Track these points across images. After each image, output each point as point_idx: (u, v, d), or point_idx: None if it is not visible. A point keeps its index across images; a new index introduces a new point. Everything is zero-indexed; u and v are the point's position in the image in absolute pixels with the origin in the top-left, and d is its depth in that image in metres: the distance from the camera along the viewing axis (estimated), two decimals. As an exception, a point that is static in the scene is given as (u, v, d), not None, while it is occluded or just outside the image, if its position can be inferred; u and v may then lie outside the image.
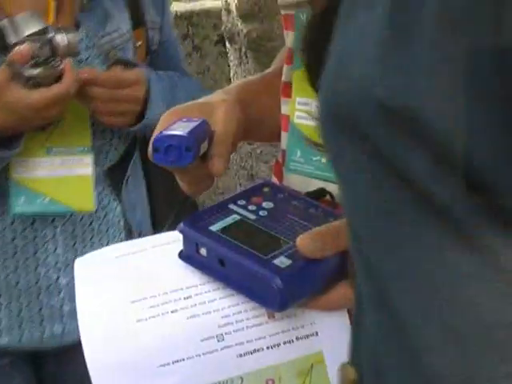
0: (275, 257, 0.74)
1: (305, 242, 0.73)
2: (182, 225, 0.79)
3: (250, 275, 0.73)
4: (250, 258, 0.74)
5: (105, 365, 0.75)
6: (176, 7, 4.42)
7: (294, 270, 0.73)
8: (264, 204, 0.82)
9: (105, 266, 0.83)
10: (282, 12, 1.02)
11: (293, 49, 0.98)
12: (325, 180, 0.94)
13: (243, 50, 2.71)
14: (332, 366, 0.78)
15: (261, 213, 0.81)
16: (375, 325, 0.41)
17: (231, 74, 2.92)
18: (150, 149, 0.87)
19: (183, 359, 0.76)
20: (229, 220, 0.79)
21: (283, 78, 1.02)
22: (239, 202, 0.82)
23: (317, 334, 0.77)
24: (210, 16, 4.80)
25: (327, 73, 0.39)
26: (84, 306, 0.78)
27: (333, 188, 0.92)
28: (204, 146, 0.86)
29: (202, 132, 0.86)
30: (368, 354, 0.45)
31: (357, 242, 0.40)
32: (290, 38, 1.00)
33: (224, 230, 0.78)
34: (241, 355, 0.76)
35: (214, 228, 0.78)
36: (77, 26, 1.43)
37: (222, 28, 2.82)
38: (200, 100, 0.96)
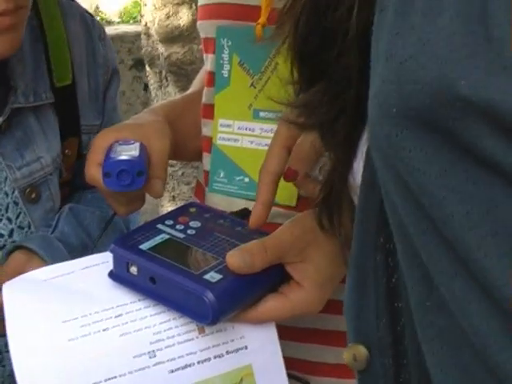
0: (206, 272, 0.76)
1: (234, 257, 0.75)
2: (112, 245, 0.80)
3: (182, 291, 0.75)
4: (181, 274, 0.75)
5: None
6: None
7: (224, 284, 0.75)
8: (191, 223, 0.84)
9: (33, 289, 0.84)
10: (202, 36, 1.05)
11: (213, 71, 1.01)
12: (247, 199, 0.97)
13: (163, 73, 2.73)
14: (260, 379, 0.80)
15: (189, 231, 0.83)
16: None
17: (152, 97, 2.93)
18: (91, 174, 0.88)
19: (115, 377, 0.77)
20: (158, 239, 0.81)
21: (203, 100, 1.05)
22: (167, 222, 0.84)
23: (246, 347, 0.79)
24: (125, 40, 4.81)
25: (383, 80, 0.43)
26: (14, 329, 0.78)
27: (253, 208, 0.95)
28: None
29: (146, 155, 0.88)
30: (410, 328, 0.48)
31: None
32: (209, 60, 1.03)
33: (154, 248, 0.80)
34: (172, 371, 0.78)
35: (144, 247, 0.79)
36: None
37: (142, 51, 2.83)
38: (130, 121, 0.98)
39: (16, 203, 1.13)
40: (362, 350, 0.53)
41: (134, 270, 0.78)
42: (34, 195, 1.14)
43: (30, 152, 1.13)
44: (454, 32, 0.40)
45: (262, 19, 0.93)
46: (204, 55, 1.06)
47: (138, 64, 4.78)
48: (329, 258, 0.79)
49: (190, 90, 1.16)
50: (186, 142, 1.08)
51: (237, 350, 0.79)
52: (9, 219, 1.13)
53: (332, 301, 0.83)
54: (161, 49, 2.70)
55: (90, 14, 1.29)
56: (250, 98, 0.97)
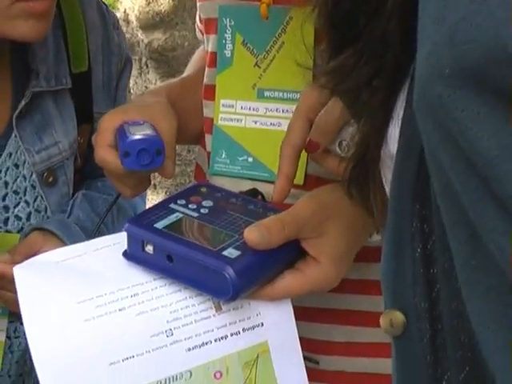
0: (224, 249, 0.76)
1: (252, 233, 0.75)
2: (127, 224, 0.80)
3: (201, 267, 0.75)
4: (200, 251, 0.75)
5: (54, 366, 0.76)
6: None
7: (243, 259, 0.75)
8: (204, 203, 0.84)
9: (46, 271, 0.83)
10: (203, 16, 1.05)
11: (215, 52, 1.01)
12: (251, 179, 0.97)
13: (143, 60, 2.72)
14: (276, 355, 0.81)
15: (202, 210, 0.82)
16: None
17: (131, 84, 2.91)
18: (101, 155, 0.88)
19: (133, 356, 0.76)
20: (172, 218, 0.81)
21: (205, 81, 1.05)
22: (179, 202, 0.84)
23: (262, 324, 0.79)
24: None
25: (434, 42, 0.43)
26: (29, 311, 0.78)
27: (261, 187, 0.95)
28: None
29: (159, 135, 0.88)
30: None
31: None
32: (211, 41, 1.03)
33: (169, 226, 0.79)
34: (189, 349, 0.78)
35: (159, 225, 0.79)
36: (5, 137, 1.11)
37: (121, 39, 2.81)
38: (136, 102, 0.97)
39: (33, 187, 1.14)
40: (398, 316, 0.53)
41: (149, 248, 0.78)
42: (51, 179, 1.15)
43: (48, 136, 1.14)
44: None
45: (267, -2, 0.93)
46: (204, 36, 1.06)
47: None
48: (345, 233, 0.79)
49: (186, 74, 1.16)
50: (186, 125, 1.07)
51: (253, 327, 0.79)
52: (26, 202, 1.14)
53: (341, 280, 0.84)
54: (141, 35, 2.69)
55: (104, 2, 1.29)
56: (253, 77, 0.97)
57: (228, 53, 0.99)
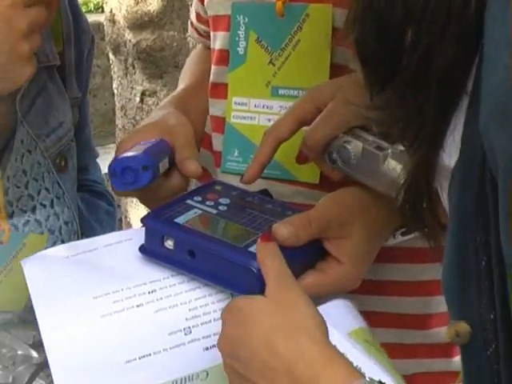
0: (249, 245, 0.75)
1: (280, 229, 0.75)
2: (146, 218, 0.78)
3: (225, 263, 0.73)
4: (224, 247, 0.74)
5: (69, 363, 0.74)
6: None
7: None
8: (221, 200, 0.83)
9: (57, 266, 0.81)
10: (211, 13, 1.03)
11: (227, 49, 0.99)
12: (263, 177, 0.96)
13: (130, 60, 2.69)
14: None
15: (220, 207, 0.81)
16: None
17: (114, 86, 2.89)
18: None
19: (150, 354, 0.75)
20: (191, 214, 0.79)
21: (212, 79, 1.03)
22: (196, 199, 0.82)
23: None
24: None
25: None
26: (42, 306, 0.76)
27: (273, 185, 0.94)
28: (164, 164, 0.85)
29: (160, 150, 0.85)
30: None
31: None
32: (219, 39, 1.01)
33: (189, 222, 0.78)
34: (207, 348, 0.76)
35: (180, 221, 0.78)
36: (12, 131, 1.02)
37: (107, 39, 2.78)
38: (150, 121, 0.95)
39: (49, 173, 1.08)
40: (464, 326, 0.54)
41: (169, 243, 0.76)
42: (63, 163, 1.10)
43: (52, 117, 1.08)
44: None
45: (283, -4, 0.92)
46: (212, 33, 1.04)
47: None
48: (367, 234, 0.79)
49: (186, 81, 1.13)
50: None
51: None
52: (47, 189, 1.09)
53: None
54: (128, 36, 2.66)
55: None
56: (267, 75, 0.96)
57: (241, 50, 0.98)
